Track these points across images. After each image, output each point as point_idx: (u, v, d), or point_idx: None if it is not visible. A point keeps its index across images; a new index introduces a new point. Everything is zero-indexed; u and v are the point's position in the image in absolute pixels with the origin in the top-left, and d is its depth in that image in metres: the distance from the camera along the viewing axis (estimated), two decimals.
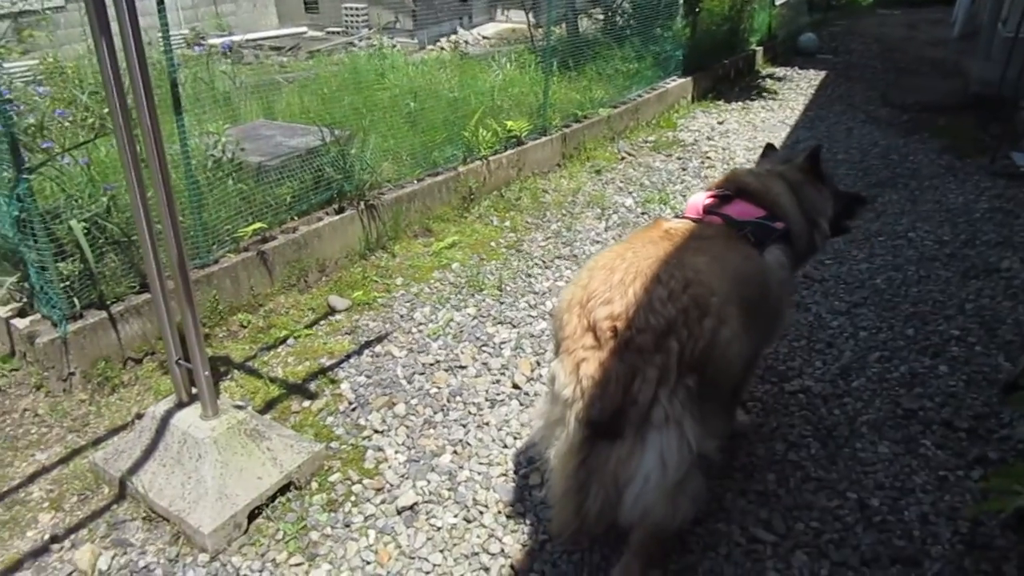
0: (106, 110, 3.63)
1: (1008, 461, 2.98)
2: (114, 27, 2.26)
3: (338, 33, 13.79)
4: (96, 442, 3.14)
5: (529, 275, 4.60)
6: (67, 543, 2.66)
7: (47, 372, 3.39)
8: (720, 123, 7.89)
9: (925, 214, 5.42)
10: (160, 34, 3.62)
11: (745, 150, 6.98)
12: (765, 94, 9.12)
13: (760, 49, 10.63)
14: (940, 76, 9.75)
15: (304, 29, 14.23)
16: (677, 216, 2.78)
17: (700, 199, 2.79)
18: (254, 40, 12.33)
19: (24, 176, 3.11)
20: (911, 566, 2.54)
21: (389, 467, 3.02)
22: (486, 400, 3.43)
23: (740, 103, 8.71)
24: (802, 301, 4.24)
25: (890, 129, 7.58)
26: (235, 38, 10.89)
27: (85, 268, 3.38)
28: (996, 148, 6.45)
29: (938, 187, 5.94)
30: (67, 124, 4.09)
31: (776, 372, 3.60)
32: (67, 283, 3.34)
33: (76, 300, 3.38)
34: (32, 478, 2.96)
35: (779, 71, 10.41)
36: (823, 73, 10.16)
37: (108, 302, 3.52)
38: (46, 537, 2.68)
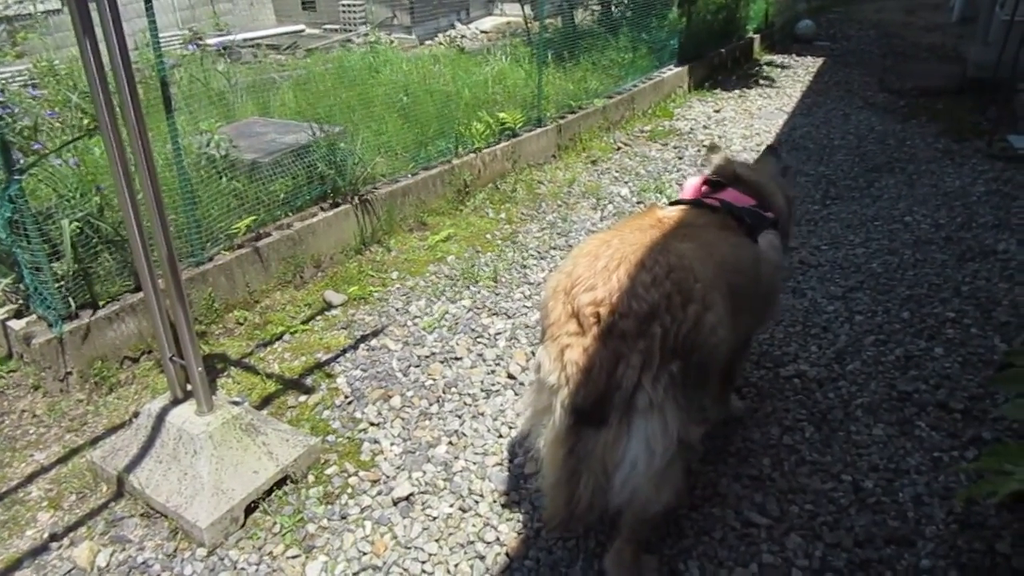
0: None
1: (1002, 441, 2.98)
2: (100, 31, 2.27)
3: (336, 30, 13.78)
4: (94, 441, 3.16)
5: (524, 266, 4.60)
6: (66, 541, 2.68)
7: (44, 373, 3.40)
8: (717, 111, 7.87)
9: (922, 198, 5.41)
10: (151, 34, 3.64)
11: (742, 138, 6.96)
12: (762, 82, 9.08)
13: (757, 37, 10.59)
14: (938, 61, 9.70)
15: (302, 27, 14.22)
16: (673, 202, 2.78)
17: (696, 182, 2.80)
18: (252, 39, 12.32)
19: (15, 177, 3.12)
20: (905, 546, 2.54)
21: (385, 459, 3.04)
22: (481, 391, 3.44)
23: (737, 91, 8.67)
24: (798, 287, 4.24)
25: (887, 114, 7.55)
26: (232, 37, 10.89)
27: (79, 268, 3.39)
28: (993, 131, 6.42)
29: (935, 171, 5.92)
30: (57, 125, 4.10)
31: (771, 357, 3.60)
32: (62, 283, 3.35)
33: (71, 300, 3.40)
34: (31, 478, 2.98)
35: (776, 58, 10.37)
36: (821, 60, 10.12)
37: (103, 302, 3.53)
38: (45, 535, 2.70)
